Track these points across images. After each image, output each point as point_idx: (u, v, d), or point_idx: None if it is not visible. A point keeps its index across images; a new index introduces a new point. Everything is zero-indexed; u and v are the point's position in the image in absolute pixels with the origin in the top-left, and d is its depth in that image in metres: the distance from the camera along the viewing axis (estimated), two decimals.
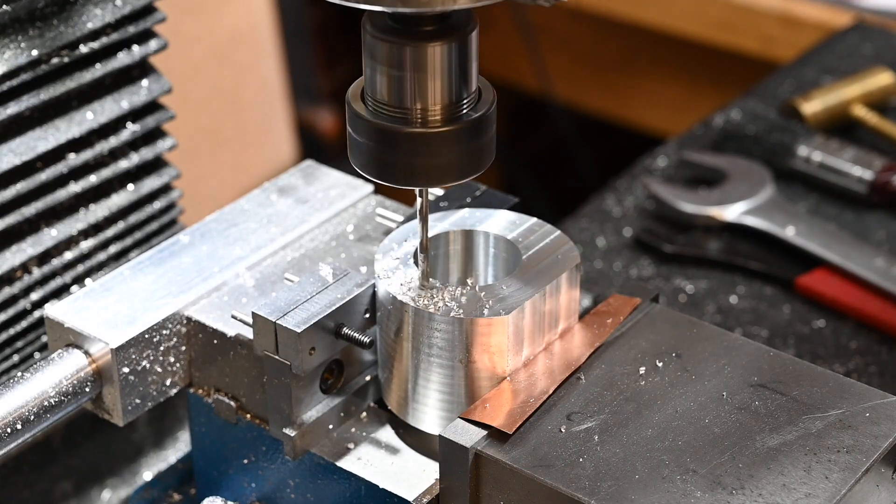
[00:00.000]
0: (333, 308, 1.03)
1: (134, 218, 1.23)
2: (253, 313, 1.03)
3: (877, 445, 0.97)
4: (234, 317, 1.06)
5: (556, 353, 1.04)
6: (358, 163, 0.98)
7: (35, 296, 1.17)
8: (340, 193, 1.19)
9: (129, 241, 1.23)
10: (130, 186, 1.22)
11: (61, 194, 1.17)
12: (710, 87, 2.36)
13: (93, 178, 1.19)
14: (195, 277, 1.11)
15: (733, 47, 2.21)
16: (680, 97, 2.41)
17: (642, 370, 1.03)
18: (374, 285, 1.05)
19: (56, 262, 1.18)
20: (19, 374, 1.04)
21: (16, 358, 1.18)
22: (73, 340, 1.06)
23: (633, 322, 1.07)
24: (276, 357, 1.02)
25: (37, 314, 1.18)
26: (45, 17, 1.12)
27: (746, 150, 1.58)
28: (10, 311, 1.16)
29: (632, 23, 2.29)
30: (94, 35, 1.15)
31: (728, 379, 1.02)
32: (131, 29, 1.17)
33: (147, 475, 1.28)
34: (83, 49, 1.14)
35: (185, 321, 1.08)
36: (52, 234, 1.17)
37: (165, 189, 1.26)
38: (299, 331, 1.01)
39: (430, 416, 1.04)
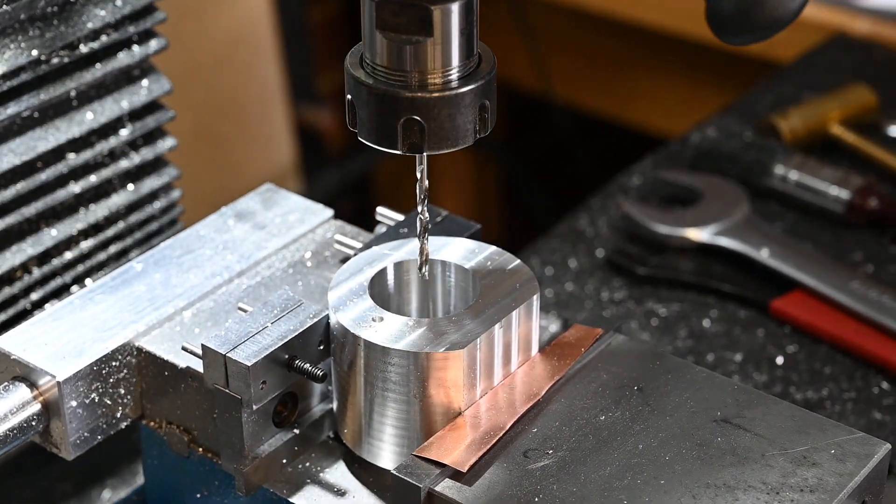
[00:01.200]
0: (285, 340, 1.00)
1: (134, 218, 1.23)
2: (203, 345, 1.00)
3: (842, 484, 0.94)
4: (184, 348, 1.04)
5: (515, 386, 1.01)
6: (356, 129, 0.96)
7: (35, 296, 1.16)
8: (299, 219, 1.17)
9: (129, 241, 1.23)
10: (130, 186, 1.22)
11: (61, 194, 1.16)
12: (710, 87, 2.35)
13: (93, 178, 1.18)
14: (147, 307, 1.08)
15: (733, 47, 2.18)
16: (680, 97, 2.40)
17: (603, 404, 1.00)
18: (328, 316, 1.02)
19: (56, 262, 1.18)
20: None
21: None
22: (20, 373, 1.03)
23: (594, 353, 1.04)
24: (227, 391, 1.00)
25: (37, 314, 1.15)
26: (45, 17, 1.12)
27: (722, 169, 1.55)
28: (10, 311, 1.15)
29: (632, 23, 2.28)
30: (94, 35, 1.14)
31: (690, 414, 0.99)
32: (131, 29, 1.17)
33: None
34: (83, 49, 1.14)
35: (135, 352, 1.05)
36: (52, 234, 1.16)
37: (165, 189, 1.25)
38: (249, 364, 0.98)
39: (385, 451, 1.01)
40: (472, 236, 1.11)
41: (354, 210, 2.87)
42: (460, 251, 1.06)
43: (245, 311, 1.07)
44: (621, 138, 2.62)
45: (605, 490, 0.93)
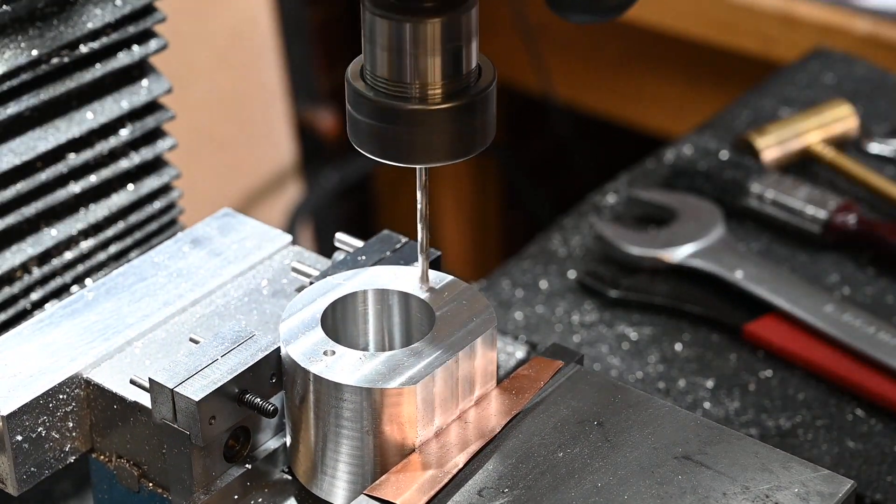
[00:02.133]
0: (236, 373, 0.97)
1: (134, 218, 1.22)
2: (150, 379, 0.97)
3: None
4: (132, 381, 1.01)
5: (471, 421, 0.98)
6: (357, 141, 0.96)
7: (35, 296, 1.16)
8: (256, 245, 1.14)
9: (129, 241, 1.22)
10: (130, 186, 1.21)
11: (61, 194, 1.16)
12: (710, 87, 2.34)
13: (93, 178, 1.18)
14: (97, 337, 1.05)
15: (733, 47, 2.18)
16: (680, 97, 2.38)
17: (561, 440, 0.97)
18: (279, 348, 0.99)
19: (56, 262, 1.17)
20: None
21: None
22: None
23: (554, 387, 1.01)
24: (175, 426, 0.97)
25: (37, 314, 1.14)
26: (45, 17, 1.11)
27: (698, 188, 1.53)
28: (10, 311, 1.14)
29: (632, 23, 2.27)
30: (94, 35, 1.14)
31: (651, 450, 0.96)
32: (131, 29, 1.16)
33: None
34: (83, 49, 1.13)
35: (83, 384, 1.03)
36: (52, 234, 1.16)
37: (165, 189, 1.24)
38: (197, 399, 0.95)
39: (338, 488, 0.99)
40: (432, 264, 1.08)
41: (354, 210, 2.85)
42: (418, 281, 1.03)
43: (197, 342, 1.04)
44: (621, 138, 2.61)
45: None
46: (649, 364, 1.33)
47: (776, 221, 1.49)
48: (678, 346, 1.35)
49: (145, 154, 1.21)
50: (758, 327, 1.35)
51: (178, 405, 0.96)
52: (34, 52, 1.10)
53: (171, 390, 0.96)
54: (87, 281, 1.19)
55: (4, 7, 1.09)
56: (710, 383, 1.31)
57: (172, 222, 1.25)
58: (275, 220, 2.53)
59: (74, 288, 1.18)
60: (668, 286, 1.41)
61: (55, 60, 1.12)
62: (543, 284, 1.44)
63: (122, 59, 1.17)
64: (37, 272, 1.15)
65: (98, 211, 1.19)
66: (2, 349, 1.04)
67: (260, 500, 1.02)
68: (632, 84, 2.46)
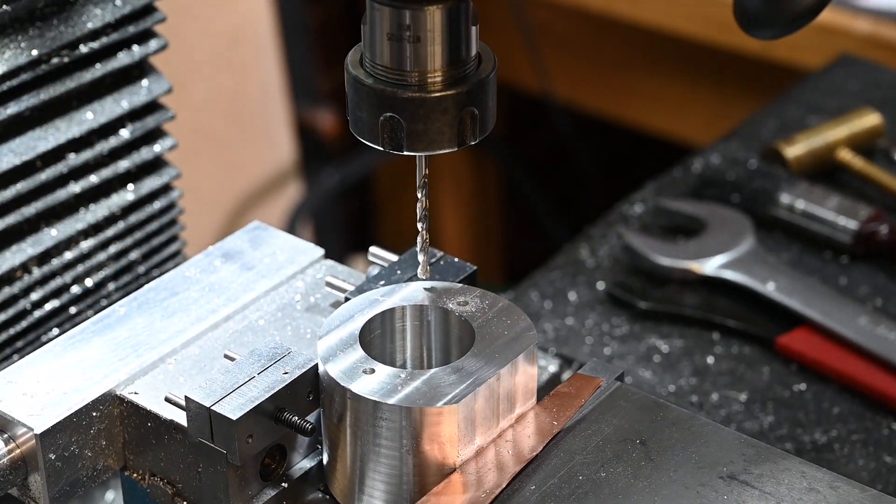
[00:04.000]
0: (272, 392, 0.96)
1: (134, 218, 1.21)
2: (186, 398, 0.96)
3: None
4: (167, 399, 0.99)
5: (512, 441, 0.97)
6: (357, 130, 0.95)
7: (35, 296, 1.15)
8: (289, 258, 1.13)
9: (129, 241, 1.21)
10: (130, 186, 1.20)
11: (61, 194, 1.15)
12: (710, 87, 2.33)
13: (93, 178, 1.17)
14: (130, 354, 1.04)
15: (733, 47, 2.17)
16: (680, 97, 2.38)
17: (603, 459, 0.96)
18: (317, 365, 0.98)
19: (56, 262, 1.16)
20: None
21: (16, 358, 1.14)
22: None
23: (595, 404, 1.00)
24: (212, 445, 0.96)
25: (37, 314, 1.15)
26: (45, 17, 1.11)
27: (726, 198, 1.51)
28: (10, 311, 1.13)
29: (632, 23, 2.26)
30: (94, 35, 1.13)
31: (695, 469, 0.95)
32: (131, 29, 1.15)
33: None
34: (83, 49, 1.13)
35: (117, 402, 1.01)
36: (52, 234, 1.15)
37: (165, 189, 1.24)
38: (235, 418, 0.94)
39: None
40: (468, 279, 1.07)
41: (354, 210, 2.84)
42: (456, 296, 1.02)
43: (231, 358, 1.03)
44: (621, 138, 2.61)
45: None
46: (682, 377, 1.32)
47: (806, 232, 1.48)
48: (710, 359, 1.34)
49: (145, 154, 1.20)
50: (791, 340, 1.33)
51: (216, 424, 0.95)
52: (34, 52, 1.10)
53: (208, 409, 0.95)
54: (87, 281, 1.18)
55: (4, 7, 1.08)
56: (743, 397, 1.30)
57: (172, 222, 1.24)
58: (275, 220, 2.52)
59: (74, 288, 1.17)
60: (699, 298, 1.39)
61: (55, 60, 1.11)
62: (572, 296, 1.42)
63: (122, 59, 1.16)
64: (37, 272, 1.15)
65: (98, 211, 1.18)
66: (34, 366, 1.03)
67: None
68: (632, 84, 2.45)
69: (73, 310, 1.18)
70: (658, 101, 2.42)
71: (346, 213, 2.80)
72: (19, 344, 1.15)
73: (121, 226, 1.20)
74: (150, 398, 1.01)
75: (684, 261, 1.41)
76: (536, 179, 2.83)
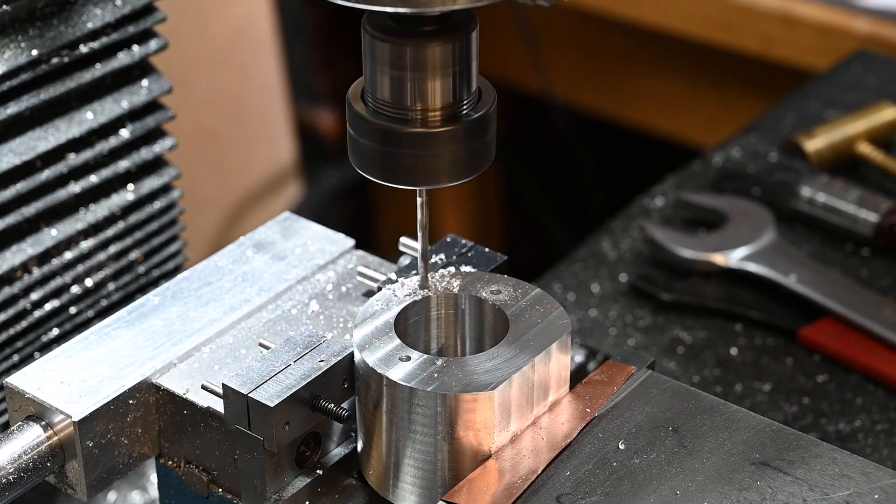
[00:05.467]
0: (309, 379, 0.97)
1: (134, 218, 1.21)
2: (224, 385, 0.97)
3: None
4: (204, 387, 1.00)
5: (546, 427, 0.98)
6: (358, 163, 0.96)
7: (35, 296, 1.15)
8: (320, 249, 1.14)
9: (129, 241, 1.21)
10: (130, 186, 1.20)
11: (61, 194, 1.15)
12: (710, 87, 2.33)
13: (93, 178, 1.17)
14: (165, 342, 1.05)
15: (733, 47, 2.17)
16: (680, 97, 2.38)
17: (637, 446, 0.97)
18: (352, 353, 0.99)
19: (56, 262, 1.16)
20: None
21: (16, 358, 1.15)
22: (34, 412, 1.00)
23: (627, 392, 1.01)
24: (248, 432, 0.96)
25: (37, 314, 1.16)
26: (45, 17, 1.11)
27: (747, 191, 1.52)
28: (10, 311, 1.14)
29: (632, 23, 2.27)
30: (94, 35, 1.13)
31: (728, 456, 0.96)
32: (131, 29, 1.16)
33: (154, 477, 1.23)
34: (83, 49, 1.13)
35: (153, 390, 1.02)
36: (52, 234, 1.15)
37: (165, 189, 1.24)
38: (272, 405, 0.95)
39: (411, 494, 0.98)
40: (499, 268, 1.08)
41: (354, 210, 2.85)
42: (488, 285, 1.03)
43: (266, 347, 1.04)
44: (621, 138, 2.61)
45: None
46: (705, 368, 1.33)
47: (827, 225, 1.49)
48: (733, 350, 1.35)
49: (145, 154, 1.20)
50: (814, 332, 1.34)
51: (252, 411, 0.96)
52: (34, 52, 1.10)
53: (246, 396, 0.95)
54: (87, 281, 1.19)
55: (4, 7, 1.08)
56: (766, 387, 1.30)
57: (172, 222, 1.25)
58: None
59: (74, 288, 1.18)
60: (721, 290, 1.40)
61: (55, 60, 1.12)
62: (595, 288, 1.43)
63: (122, 59, 1.17)
64: (37, 272, 1.15)
65: (98, 211, 1.18)
66: (70, 354, 1.03)
67: None
68: (632, 84, 2.46)
69: (73, 310, 1.19)
70: (658, 101, 2.42)
71: (346, 213, 2.81)
72: (19, 344, 1.15)
73: (121, 226, 1.20)
74: (186, 386, 1.02)
75: (707, 253, 1.41)
76: (536, 179, 2.83)
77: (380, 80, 0.93)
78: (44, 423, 0.99)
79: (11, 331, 1.14)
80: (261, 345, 1.04)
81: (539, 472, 0.95)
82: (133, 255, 1.22)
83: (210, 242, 2.33)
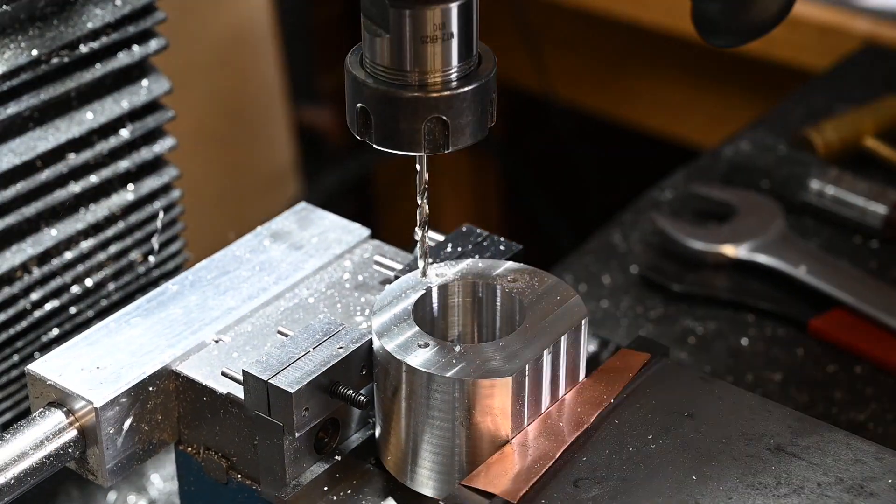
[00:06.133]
0: (328, 366, 0.98)
1: (134, 218, 1.21)
2: (244, 371, 0.98)
3: None
4: (224, 374, 1.01)
5: (563, 413, 0.99)
6: (357, 130, 0.95)
7: (35, 296, 1.15)
8: (336, 238, 1.15)
9: (129, 241, 1.21)
10: (130, 186, 1.20)
11: (61, 194, 1.15)
12: (710, 87, 2.34)
13: (93, 178, 1.17)
14: (184, 330, 1.06)
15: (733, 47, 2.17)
16: (680, 97, 2.39)
17: (653, 431, 0.98)
18: (370, 340, 1.00)
19: (56, 262, 1.16)
20: None
21: (16, 358, 1.15)
22: (56, 398, 1.01)
23: (642, 379, 1.02)
24: (268, 418, 0.98)
25: (37, 314, 1.16)
26: (45, 17, 1.11)
27: (756, 183, 1.53)
28: (10, 311, 1.14)
29: (632, 23, 2.27)
30: (94, 35, 1.13)
31: (743, 441, 0.97)
32: (131, 29, 1.16)
33: (154, 478, 1.25)
34: (83, 49, 1.13)
35: (173, 377, 1.03)
36: (52, 234, 1.15)
37: (165, 189, 1.24)
38: (292, 391, 0.96)
39: (429, 479, 0.99)
40: (514, 257, 1.09)
41: (354, 211, 2.85)
42: (504, 273, 1.04)
43: (285, 334, 1.05)
44: (621, 138, 2.61)
45: None
46: (717, 358, 1.34)
47: (836, 217, 1.50)
48: (744, 341, 1.36)
49: (145, 154, 1.20)
50: (824, 322, 1.35)
51: (273, 397, 0.97)
52: (34, 52, 1.10)
53: (266, 382, 0.97)
54: (87, 281, 1.19)
55: (4, 7, 1.08)
56: (777, 377, 1.32)
57: (172, 222, 1.25)
58: None
59: (74, 288, 1.18)
60: (732, 281, 1.41)
61: (55, 60, 1.11)
62: (606, 279, 1.44)
63: (122, 59, 1.16)
64: (37, 272, 1.15)
65: (98, 211, 1.18)
66: (90, 342, 1.04)
67: (348, 491, 1.02)
68: (632, 84, 2.46)
69: (73, 310, 1.19)
70: (658, 101, 2.43)
71: (346, 213, 2.81)
72: (19, 344, 1.16)
73: (121, 226, 1.20)
74: (206, 373, 1.03)
75: (717, 244, 1.43)
76: (536, 179, 2.84)
77: (378, 44, 0.93)
78: (65, 409, 1.00)
79: (11, 331, 1.14)
80: (279, 332, 1.05)
81: (556, 456, 0.96)
82: (133, 255, 1.22)
83: (210, 243, 2.33)
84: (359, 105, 0.95)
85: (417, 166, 1.00)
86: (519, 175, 2.83)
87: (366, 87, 0.94)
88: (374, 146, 0.95)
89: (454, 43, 0.93)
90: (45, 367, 1.02)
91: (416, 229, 1.02)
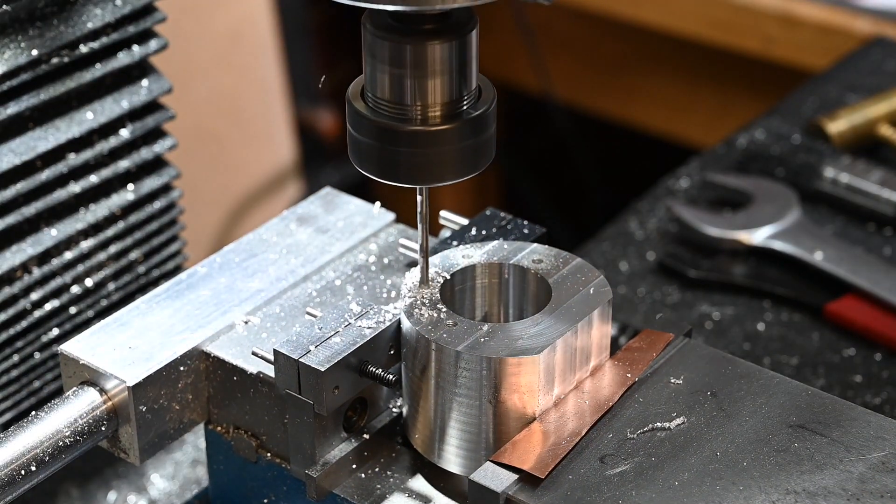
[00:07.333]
0: (358, 345, 1.00)
1: (134, 218, 1.22)
2: (275, 351, 0.99)
3: None
4: (254, 353, 1.03)
5: (588, 391, 1.01)
6: (358, 161, 0.97)
7: (35, 296, 1.16)
8: (361, 222, 1.16)
9: (129, 241, 1.22)
10: (130, 186, 1.21)
11: (61, 194, 1.16)
12: (710, 87, 2.35)
13: (93, 178, 1.18)
14: (214, 311, 1.07)
15: (733, 47, 2.19)
16: (680, 97, 2.40)
17: (677, 410, 0.99)
18: (399, 320, 1.01)
19: (56, 262, 1.17)
20: (34, 413, 1.01)
21: (16, 358, 1.16)
22: (89, 378, 1.03)
23: (665, 358, 1.04)
24: (299, 396, 0.99)
25: (37, 314, 1.16)
26: (45, 17, 1.11)
27: (771, 172, 1.55)
28: (10, 311, 1.14)
29: (632, 23, 2.28)
30: (94, 35, 1.14)
31: (766, 419, 0.99)
32: (131, 29, 1.16)
33: (154, 477, 1.26)
34: (83, 49, 1.13)
35: (203, 357, 1.05)
36: (52, 234, 1.16)
37: (165, 189, 1.25)
38: (323, 369, 0.97)
39: (456, 456, 1.01)
40: (538, 240, 1.10)
41: None
42: (530, 255, 1.05)
43: (313, 315, 1.06)
44: (621, 138, 2.62)
45: (685, 496, 0.93)
46: (734, 343, 1.35)
47: (850, 204, 1.51)
48: (761, 326, 1.37)
49: (145, 154, 1.21)
50: (840, 307, 1.37)
51: (303, 376, 0.98)
52: (34, 52, 1.10)
53: (297, 361, 0.98)
54: (87, 281, 1.19)
55: (4, 7, 1.08)
56: (794, 361, 1.33)
57: (172, 222, 1.25)
58: None
59: (74, 288, 1.18)
60: (748, 267, 1.43)
61: (55, 60, 1.12)
62: (623, 266, 1.46)
63: (122, 59, 1.17)
64: (37, 272, 1.15)
65: (98, 211, 1.19)
66: (121, 323, 1.06)
67: (376, 469, 1.04)
68: (632, 84, 2.47)
69: (73, 310, 1.19)
70: (658, 101, 2.44)
71: None
72: (19, 344, 1.16)
73: (121, 226, 1.21)
74: (235, 353, 1.04)
75: (733, 231, 1.44)
76: (536, 179, 2.85)
77: (380, 78, 0.94)
78: (98, 388, 1.02)
79: (11, 331, 1.15)
80: (308, 314, 1.07)
81: (582, 434, 0.97)
82: (133, 255, 1.22)
83: (210, 242, 2.34)
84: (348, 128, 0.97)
85: (418, 205, 1.01)
86: (519, 175, 2.84)
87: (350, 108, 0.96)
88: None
89: (411, 81, 0.93)
90: (78, 346, 1.03)
91: (419, 257, 1.03)
